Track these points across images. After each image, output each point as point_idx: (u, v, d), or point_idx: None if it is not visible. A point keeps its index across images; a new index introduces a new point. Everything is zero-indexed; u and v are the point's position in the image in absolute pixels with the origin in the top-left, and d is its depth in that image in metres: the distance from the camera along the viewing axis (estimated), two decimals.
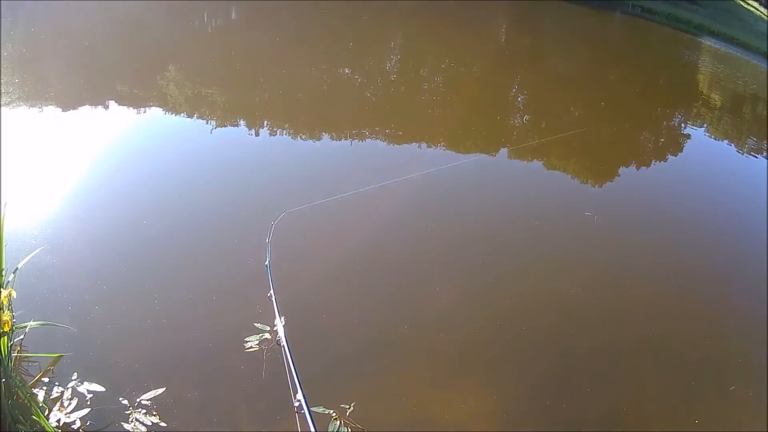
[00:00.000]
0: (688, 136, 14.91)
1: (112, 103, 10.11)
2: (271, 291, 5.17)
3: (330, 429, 4.40)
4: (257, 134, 9.80)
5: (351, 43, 18.16)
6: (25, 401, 3.96)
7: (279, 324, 4.85)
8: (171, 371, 4.80)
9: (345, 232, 7.12)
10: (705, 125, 16.64)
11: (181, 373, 4.81)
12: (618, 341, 6.19)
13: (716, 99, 20.33)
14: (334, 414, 4.51)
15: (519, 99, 15.59)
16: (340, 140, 10.23)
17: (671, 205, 9.94)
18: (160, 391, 4.49)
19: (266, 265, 5.60)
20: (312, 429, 3.57)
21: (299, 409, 3.88)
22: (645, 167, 11.85)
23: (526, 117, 13.91)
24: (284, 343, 4.57)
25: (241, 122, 10.21)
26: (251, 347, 5.04)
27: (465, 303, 6.28)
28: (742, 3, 53.77)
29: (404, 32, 21.30)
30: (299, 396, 3.91)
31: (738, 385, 5.85)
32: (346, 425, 4.47)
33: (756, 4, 58.44)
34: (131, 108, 10.18)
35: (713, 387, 5.83)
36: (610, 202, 9.63)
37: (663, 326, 6.54)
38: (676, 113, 17.08)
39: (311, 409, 4.01)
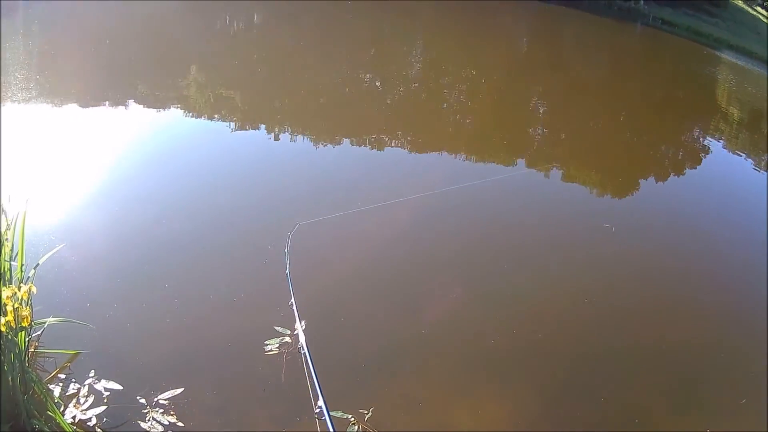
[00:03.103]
0: (707, 150, 14.80)
1: (132, 103, 10.13)
2: (292, 299, 5.13)
3: None
4: (277, 138, 9.77)
5: (373, 50, 18.16)
6: (41, 397, 3.89)
7: (300, 330, 4.80)
8: (190, 372, 4.74)
9: (362, 240, 7.06)
10: (723, 139, 16.53)
11: (200, 374, 4.74)
12: (634, 351, 6.11)
13: (734, 113, 20.18)
14: (352, 419, 4.46)
15: (539, 109, 15.50)
16: (360, 146, 10.20)
17: (688, 217, 9.89)
18: (179, 391, 4.42)
19: (286, 274, 5.57)
20: None
21: (320, 415, 3.81)
22: (662, 180, 11.76)
23: (546, 128, 13.81)
24: (305, 348, 4.52)
25: (262, 126, 10.19)
26: (271, 350, 4.98)
27: (482, 310, 6.24)
28: (761, 17, 53.59)
29: (426, 40, 21.31)
30: (320, 402, 3.84)
31: (751, 397, 5.75)
32: (364, 430, 4.41)
33: None
34: (152, 108, 10.21)
35: (728, 398, 5.73)
36: (629, 214, 9.54)
37: (679, 337, 6.48)
38: (695, 127, 16.95)
39: (330, 413, 3.93)
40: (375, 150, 10.12)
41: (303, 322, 5.01)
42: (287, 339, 5.07)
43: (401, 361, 5.35)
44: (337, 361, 5.07)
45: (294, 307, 5.05)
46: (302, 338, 4.67)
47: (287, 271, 5.63)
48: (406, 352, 5.46)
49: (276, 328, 5.17)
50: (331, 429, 3.52)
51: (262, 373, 4.82)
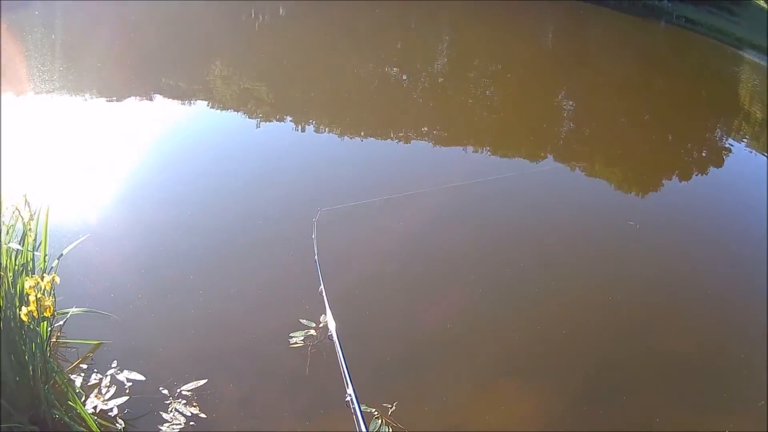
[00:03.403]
0: (729, 150, 14.56)
1: (157, 96, 10.17)
2: (321, 286, 4.98)
3: (371, 428, 4.29)
4: (303, 130, 9.74)
5: (399, 44, 18.07)
6: (62, 387, 3.84)
7: (330, 318, 4.64)
8: (213, 363, 4.68)
9: (387, 232, 6.98)
10: (746, 139, 16.24)
11: (224, 366, 4.69)
12: (657, 352, 5.95)
13: (756, 113, 19.88)
14: (376, 412, 4.40)
15: (564, 105, 15.34)
16: (385, 140, 10.15)
17: (711, 217, 9.68)
18: (202, 382, 4.38)
19: (315, 260, 5.46)
20: (362, 426, 3.40)
21: (349, 403, 3.71)
22: (686, 179, 11.55)
23: (571, 124, 13.66)
24: (335, 337, 4.36)
25: (287, 118, 10.16)
26: (296, 343, 4.93)
27: (507, 306, 6.14)
28: None
29: (452, 35, 21.22)
30: (350, 390, 3.74)
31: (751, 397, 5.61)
32: (387, 424, 4.34)
33: None
34: (177, 101, 10.22)
35: (752, 403, 5.54)
36: (653, 212, 9.35)
37: (704, 337, 6.34)
38: (718, 126, 16.69)
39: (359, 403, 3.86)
40: (401, 143, 10.06)
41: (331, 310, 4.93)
42: (312, 332, 5.01)
43: (426, 356, 5.27)
44: (362, 354, 4.98)
45: (324, 294, 4.91)
46: (332, 326, 4.53)
47: (315, 257, 5.51)
48: (431, 347, 5.38)
49: (301, 320, 5.11)
50: (360, 417, 3.42)
51: (287, 366, 4.77)
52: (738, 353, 6.18)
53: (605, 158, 11.34)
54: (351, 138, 9.80)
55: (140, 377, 4.31)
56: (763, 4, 47.94)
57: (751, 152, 14.91)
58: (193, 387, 4.32)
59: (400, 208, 7.25)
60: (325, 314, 4.87)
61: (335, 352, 4.26)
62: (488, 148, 10.57)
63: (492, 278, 6.53)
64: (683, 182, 11.27)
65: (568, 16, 28.65)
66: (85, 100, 9.53)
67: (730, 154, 13.85)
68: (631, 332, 6.15)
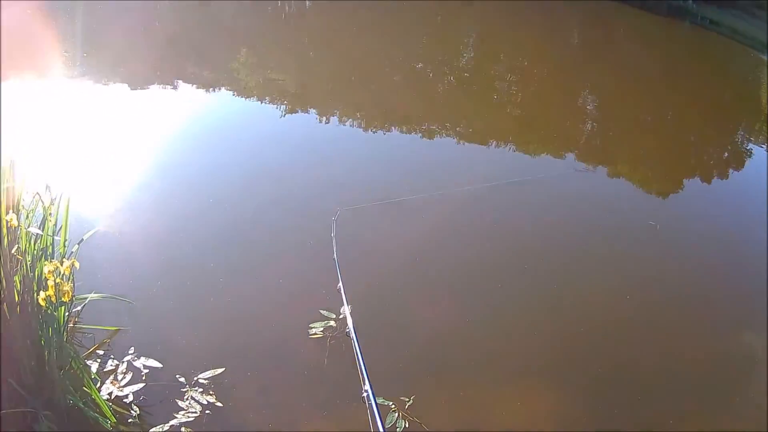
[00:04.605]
0: (751, 153, 14.41)
1: (181, 84, 10.18)
2: (340, 283, 5.01)
3: (388, 420, 4.26)
4: (327, 122, 9.72)
5: (424, 39, 17.99)
6: (78, 372, 3.81)
7: (347, 314, 4.68)
8: (231, 352, 4.67)
9: (408, 229, 6.92)
10: (766, 144, 16.11)
11: (242, 355, 4.68)
12: (675, 354, 5.90)
13: None
14: (393, 406, 4.37)
15: (588, 104, 15.24)
16: (409, 134, 10.09)
17: (733, 219, 9.52)
18: (219, 371, 4.35)
19: (333, 259, 5.49)
20: (378, 420, 3.36)
21: (366, 399, 3.69)
22: (707, 182, 11.41)
23: (594, 123, 13.54)
24: (353, 333, 4.38)
25: (311, 110, 10.13)
26: (315, 334, 4.90)
27: (526, 303, 6.10)
28: None
29: (478, 31, 21.12)
30: (366, 386, 3.72)
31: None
32: (404, 418, 4.31)
33: None
34: (201, 90, 10.23)
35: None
36: (674, 213, 9.26)
37: (722, 342, 6.27)
38: (740, 129, 16.47)
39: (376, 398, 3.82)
40: (424, 138, 10.01)
41: (350, 307, 4.88)
42: (332, 323, 4.98)
43: (445, 351, 5.25)
44: (381, 347, 4.97)
45: (342, 291, 4.93)
46: (350, 322, 4.54)
47: (335, 255, 5.53)
48: (450, 343, 5.36)
49: (321, 311, 5.08)
50: (376, 413, 3.39)
51: (305, 357, 4.75)
52: (757, 357, 6.09)
53: (627, 157, 11.25)
54: (374, 132, 9.76)
55: (157, 364, 4.29)
56: None
57: None
58: (211, 375, 4.28)
59: (421, 207, 7.20)
60: (348, 306, 4.88)
61: (357, 346, 4.24)
62: (511, 146, 10.49)
63: (512, 277, 6.48)
64: (704, 184, 11.16)
65: (595, 14, 28.54)
66: (110, 87, 9.57)
67: (751, 158, 13.76)
68: (649, 333, 6.11)
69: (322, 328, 4.94)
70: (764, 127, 17.44)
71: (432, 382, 4.84)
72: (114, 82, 9.73)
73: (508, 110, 13.00)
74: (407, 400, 4.44)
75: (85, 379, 3.72)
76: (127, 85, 9.73)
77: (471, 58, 17.26)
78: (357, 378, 3.99)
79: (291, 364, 4.69)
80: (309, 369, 4.64)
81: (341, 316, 4.95)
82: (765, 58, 29.43)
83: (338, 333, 4.91)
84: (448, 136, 10.39)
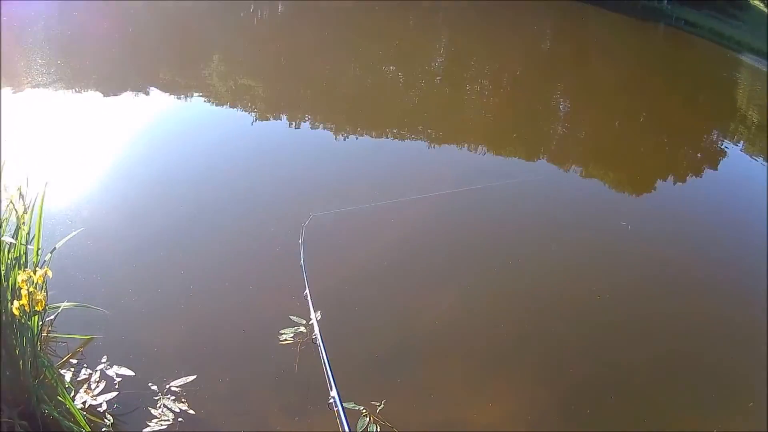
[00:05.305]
0: (725, 153, 14.60)
1: (153, 90, 10.17)
2: (307, 290, 5.13)
3: (359, 425, 4.32)
4: (298, 127, 9.76)
5: (396, 42, 18.07)
6: (52, 382, 3.85)
7: (314, 320, 4.79)
8: (203, 359, 4.73)
9: (376, 234, 7.01)
10: (741, 143, 16.30)
11: (213, 362, 4.73)
12: (647, 352, 6.02)
13: (754, 118, 19.93)
14: (364, 410, 4.43)
15: (560, 106, 15.36)
16: (379, 139, 10.16)
17: (705, 219, 9.72)
18: (191, 378, 4.41)
19: (301, 265, 5.58)
20: (345, 427, 3.46)
21: (333, 405, 3.82)
22: (681, 181, 11.60)
23: (566, 125, 13.68)
24: (320, 339, 4.52)
25: (282, 116, 10.18)
26: (285, 340, 4.96)
27: (495, 306, 6.20)
28: None
29: (449, 34, 21.25)
30: (333, 393, 3.84)
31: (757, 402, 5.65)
32: (375, 422, 4.37)
33: None
34: (173, 96, 10.25)
35: (738, 402, 5.66)
36: (646, 213, 9.42)
37: (690, 340, 6.40)
38: (714, 129, 16.70)
39: (343, 404, 3.94)
40: (395, 141, 10.10)
41: (318, 313, 4.99)
42: (302, 329, 5.04)
43: (414, 354, 5.33)
44: (350, 352, 5.05)
45: (308, 298, 5.03)
46: (317, 328, 4.65)
47: (302, 261, 5.63)
48: (419, 346, 5.44)
49: (291, 317, 5.14)
50: (343, 420, 3.49)
51: (276, 363, 4.80)
52: (729, 358, 6.24)
53: (599, 159, 11.42)
54: (345, 137, 9.82)
55: (130, 373, 4.33)
56: (763, 8, 47.96)
57: (747, 156, 15.01)
58: (183, 383, 4.35)
59: (389, 209, 7.28)
60: (317, 312, 4.99)
61: (324, 353, 4.33)
62: (483, 149, 10.57)
63: (482, 279, 6.57)
64: (678, 184, 11.31)
65: (567, 16, 28.65)
66: (83, 94, 9.56)
67: (725, 158, 13.90)
68: (621, 332, 6.22)
69: (292, 334, 5.00)
70: (740, 127, 17.72)
71: (403, 385, 4.91)
72: (88, 90, 9.71)
73: (479, 114, 13.15)
74: (378, 404, 4.50)
75: (59, 389, 3.75)
76: (100, 92, 9.71)
77: (442, 62, 17.39)
78: (327, 383, 4.11)
79: (262, 370, 4.75)
80: (280, 375, 4.70)
81: (311, 322, 5.00)
82: (743, 58, 29.84)
83: (308, 339, 4.95)
84: (419, 140, 10.48)
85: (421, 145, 10.28)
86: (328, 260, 6.18)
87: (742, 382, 5.88)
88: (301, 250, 5.82)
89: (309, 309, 4.97)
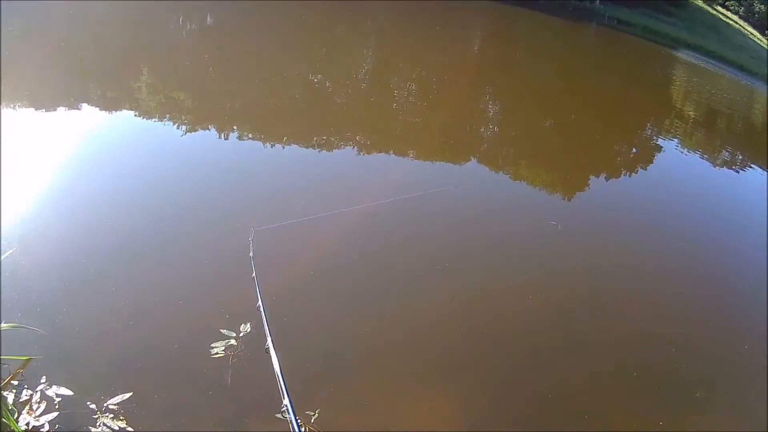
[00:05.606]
0: (660, 148, 15.16)
1: (86, 106, 10.09)
2: (260, 302, 5.14)
3: None
4: (227, 138, 9.81)
5: (324, 50, 18.21)
6: None
7: (267, 333, 4.72)
8: (139, 376, 4.86)
9: (308, 246, 7.12)
10: (678, 138, 16.85)
11: (149, 378, 4.87)
12: (579, 348, 6.36)
13: (690, 112, 20.57)
14: (299, 421, 4.53)
15: (490, 109, 15.72)
16: (310, 149, 10.22)
17: (636, 213, 10.21)
18: (127, 395, 4.55)
19: (253, 278, 5.61)
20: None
21: (284, 413, 3.83)
22: (615, 178, 12.07)
23: (497, 128, 14.02)
24: (272, 350, 4.50)
25: (212, 128, 10.15)
26: (217, 353, 5.11)
27: (427, 311, 6.41)
28: (720, 16, 54.59)
29: (378, 40, 21.48)
30: (286, 402, 3.85)
31: (703, 390, 6.11)
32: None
33: (736, 17, 59.37)
34: (104, 111, 10.14)
35: (679, 392, 6.03)
36: (578, 212, 9.84)
37: (623, 331, 6.77)
38: (649, 125, 17.25)
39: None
40: (324, 152, 10.20)
41: (248, 325, 5.22)
42: (232, 342, 5.21)
43: (347, 362, 5.52)
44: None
45: (262, 310, 5.03)
46: (269, 340, 4.63)
47: (253, 275, 5.64)
48: (352, 354, 5.64)
49: (221, 330, 5.30)
50: (296, 427, 3.52)
51: (210, 376, 4.96)
52: (667, 348, 6.66)
53: (530, 160, 11.77)
54: (272, 146, 9.88)
55: (68, 392, 4.46)
56: (700, 3, 49.49)
57: (682, 151, 15.64)
58: (119, 400, 4.50)
59: (322, 221, 7.38)
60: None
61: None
62: (417, 156, 10.78)
63: (413, 286, 6.80)
64: (611, 180, 11.83)
65: (497, 19, 28.90)
66: (16, 110, 9.45)
67: (660, 153, 14.56)
68: (552, 329, 6.54)
69: (223, 348, 5.16)
70: (676, 122, 18.29)
71: (337, 395, 5.11)
72: (19, 106, 9.58)
73: (409, 120, 13.35)
74: (313, 413, 4.72)
75: (3, 411, 3.90)
76: (32, 108, 9.62)
77: (370, 68, 17.55)
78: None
79: (196, 384, 4.91)
80: (214, 388, 4.87)
81: (242, 334, 5.22)
82: (679, 54, 30.65)
83: (239, 351, 5.14)
84: (350, 148, 10.64)
85: (352, 153, 10.43)
86: (265, 273, 6.17)
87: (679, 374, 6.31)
88: (252, 265, 5.84)
89: (263, 321, 4.89)
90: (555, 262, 7.92)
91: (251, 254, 6.08)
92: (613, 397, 5.83)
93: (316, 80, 14.75)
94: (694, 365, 6.56)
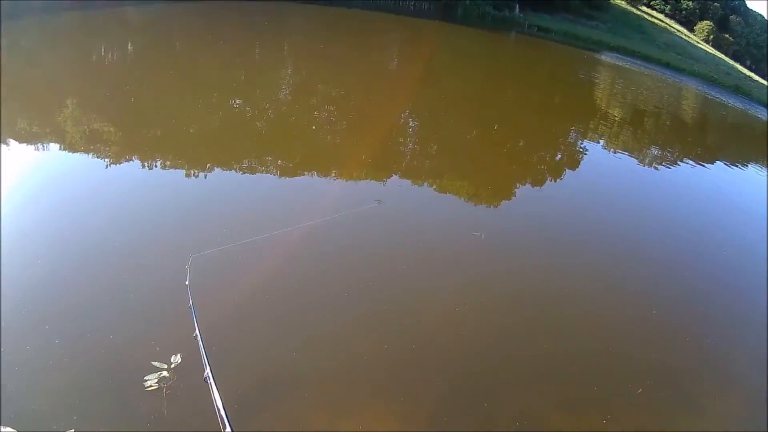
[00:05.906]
0: (585, 151, 15.56)
1: (12, 142, 9.98)
2: (197, 331, 5.41)
3: None
4: (150, 169, 9.80)
5: (243, 75, 18.21)
6: None
7: (204, 360, 5.05)
8: (78, 411, 5.06)
9: (246, 272, 7.30)
10: (603, 140, 17.23)
11: (88, 414, 5.07)
12: (509, 357, 6.72)
13: (615, 113, 21.09)
14: None
15: (410, 124, 15.92)
16: (232, 173, 10.33)
17: (563, 218, 10.61)
18: None
19: (189, 307, 5.83)
20: None
21: None
22: (539, 185, 12.39)
23: (420, 142, 14.25)
24: (211, 380, 4.81)
25: (135, 159, 10.09)
26: (151, 386, 5.28)
27: (358, 330, 6.72)
28: (645, 16, 55.83)
29: (294, 62, 21.53)
30: (228, 430, 4.20)
31: (645, 388, 6.55)
32: None
33: (661, 16, 60.58)
34: (30, 146, 10.04)
35: (619, 390, 6.47)
36: (501, 221, 10.19)
37: (553, 342, 7.12)
38: (573, 130, 17.59)
39: None
40: (248, 175, 10.34)
41: (178, 356, 5.40)
42: (165, 373, 5.37)
43: (281, 386, 5.74)
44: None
45: (199, 339, 5.33)
46: (208, 370, 4.91)
47: (190, 303, 5.86)
48: (285, 377, 5.87)
49: (153, 363, 5.42)
50: None
51: (144, 410, 5.19)
52: (598, 352, 7.08)
53: (452, 173, 12.03)
54: (195, 175, 9.87)
55: (12, 431, 4.60)
56: (624, 5, 50.53)
57: (610, 152, 16.09)
58: None
59: (258, 248, 7.60)
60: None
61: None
62: (338, 175, 10.94)
63: (342, 305, 7.06)
64: (536, 187, 12.15)
65: (414, 33, 28.99)
66: None
67: (585, 156, 14.95)
68: (482, 341, 6.87)
69: (156, 380, 5.34)
70: (601, 124, 18.76)
71: (271, 419, 5.36)
72: None
73: (331, 139, 13.52)
74: None
75: None
76: None
77: (292, 90, 17.68)
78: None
79: (134, 417, 5.14)
80: (151, 421, 5.11)
81: (173, 365, 5.40)
82: (602, 57, 31.32)
83: (172, 382, 5.35)
84: (275, 171, 10.78)
85: (277, 177, 10.55)
86: (202, 300, 6.30)
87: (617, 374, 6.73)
88: (189, 293, 6.03)
89: (200, 349, 5.24)
90: (479, 272, 8.21)
91: (188, 282, 6.25)
92: (550, 403, 6.17)
93: (236, 105, 14.81)
94: (632, 367, 6.98)
